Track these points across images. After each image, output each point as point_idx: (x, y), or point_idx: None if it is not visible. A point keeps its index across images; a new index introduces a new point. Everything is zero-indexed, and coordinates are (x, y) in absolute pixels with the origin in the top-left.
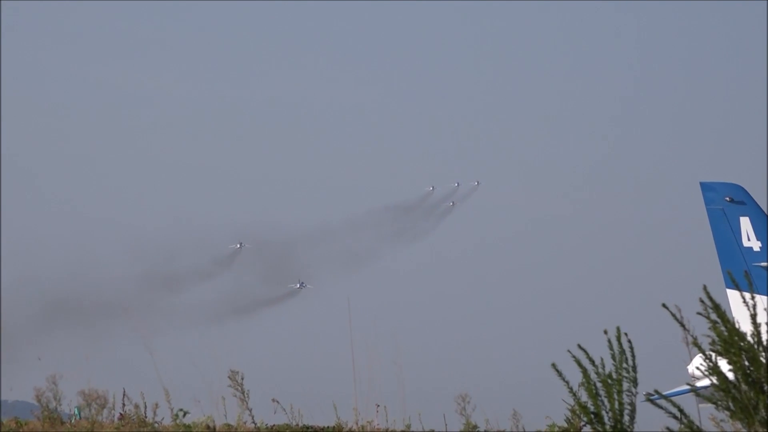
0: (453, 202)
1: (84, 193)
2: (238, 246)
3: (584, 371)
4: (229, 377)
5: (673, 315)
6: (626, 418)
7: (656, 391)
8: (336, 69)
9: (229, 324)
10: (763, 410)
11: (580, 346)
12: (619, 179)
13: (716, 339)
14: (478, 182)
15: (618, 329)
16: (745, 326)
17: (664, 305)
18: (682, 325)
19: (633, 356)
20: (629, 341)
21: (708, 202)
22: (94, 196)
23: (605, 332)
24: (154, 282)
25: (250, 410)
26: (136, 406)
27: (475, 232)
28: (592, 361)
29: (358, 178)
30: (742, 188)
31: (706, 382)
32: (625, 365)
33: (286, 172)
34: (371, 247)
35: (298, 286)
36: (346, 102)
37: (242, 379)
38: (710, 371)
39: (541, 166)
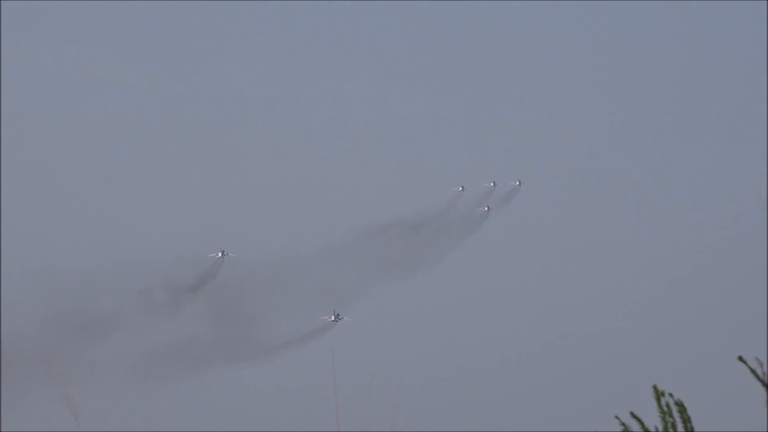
0: (488, 207)
1: None
2: (220, 255)
3: None
4: None
5: (753, 371)
6: None
7: None
8: (327, 60)
9: (172, 379)
10: None
11: (633, 414)
12: (687, 194)
13: None
14: (519, 182)
15: (655, 388)
16: None
17: (740, 358)
18: (765, 385)
19: (689, 423)
20: (678, 404)
21: None
22: None
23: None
24: (72, 327)
25: None
26: None
27: (507, 253)
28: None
29: (369, 182)
30: None
31: None
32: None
33: (260, 181)
34: (354, 282)
35: (333, 318)
36: (339, 96)
37: None
38: None
39: (595, 173)
